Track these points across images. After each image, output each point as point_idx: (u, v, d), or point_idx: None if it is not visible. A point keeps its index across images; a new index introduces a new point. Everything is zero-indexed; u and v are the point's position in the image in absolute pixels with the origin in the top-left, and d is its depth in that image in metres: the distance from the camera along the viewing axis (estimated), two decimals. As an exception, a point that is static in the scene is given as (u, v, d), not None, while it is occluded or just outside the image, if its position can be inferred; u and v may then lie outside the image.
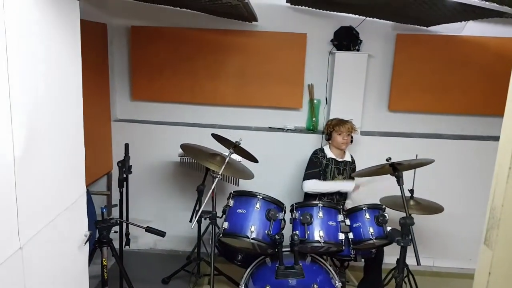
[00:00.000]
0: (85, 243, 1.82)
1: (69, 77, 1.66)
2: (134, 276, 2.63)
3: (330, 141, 3.28)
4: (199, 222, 3.23)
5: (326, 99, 3.73)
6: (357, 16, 3.51)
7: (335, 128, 3.21)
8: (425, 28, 3.52)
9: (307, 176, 3.19)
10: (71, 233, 1.72)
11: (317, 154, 3.24)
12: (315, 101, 3.76)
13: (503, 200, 0.54)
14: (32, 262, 1.39)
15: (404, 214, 2.28)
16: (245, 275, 2.65)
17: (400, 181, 2.28)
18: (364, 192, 3.39)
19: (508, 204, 0.50)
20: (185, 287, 3.31)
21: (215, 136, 2.82)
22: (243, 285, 2.59)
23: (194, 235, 3.47)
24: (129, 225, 3.26)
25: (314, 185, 3.13)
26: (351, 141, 3.27)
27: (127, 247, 3.18)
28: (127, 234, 3.17)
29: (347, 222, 2.61)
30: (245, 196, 2.63)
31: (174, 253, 3.91)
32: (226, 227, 2.55)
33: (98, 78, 3.50)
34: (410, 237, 2.16)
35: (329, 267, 2.60)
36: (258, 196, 2.58)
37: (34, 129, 1.39)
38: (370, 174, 2.67)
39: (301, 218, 2.50)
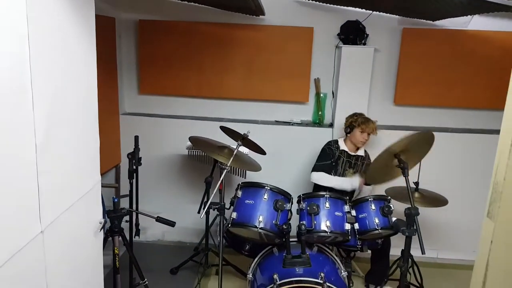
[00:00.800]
0: (100, 230, 1.88)
1: (85, 69, 1.71)
2: (143, 266, 2.68)
3: (349, 135, 3.27)
4: (207, 213, 3.28)
5: (333, 92, 3.77)
6: (363, 10, 3.53)
7: (361, 125, 3.18)
8: (431, 22, 3.54)
9: (316, 168, 3.22)
10: (87, 220, 1.78)
11: (331, 145, 3.27)
12: (321, 94, 3.80)
13: (505, 174, 0.58)
14: (52, 245, 1.45)
15: (408, 205, 2.32)
16: (253, 264, 2.70)
17: (405, 173, 2.31)
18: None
19: (510, 178, 0.55)
20: (193, 277, 3.37)
21: (223, 128, 2.86)
22: (251, 274, 2.64)
23: (202, 227, 3.53)
24: (139, 216, 3.32)
25: (322, 178, 3.17)
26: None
27: (136, 237, 3.25)
28: (137, 224, 3.23)
29: (353, 213, 2.66)
30: (253, 187, 2.68)
31: (182, 245, 3.97)
32: (234, 217, 2.60)
33: (106, 72, 3.55)
34: (415, 227, 2.20)
35: (335, 257, 2.65)
36: (266, 187, 2.63)
37: (54, 118, 1.44)
38: (378, 168, 2.69)
39: (308, 208, 2.55)
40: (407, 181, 2.32)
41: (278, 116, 3.88)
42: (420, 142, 2.49)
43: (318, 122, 3.83)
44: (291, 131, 3.79)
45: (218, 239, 2.77)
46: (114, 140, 3.81)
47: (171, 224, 2.57)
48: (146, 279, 2.64)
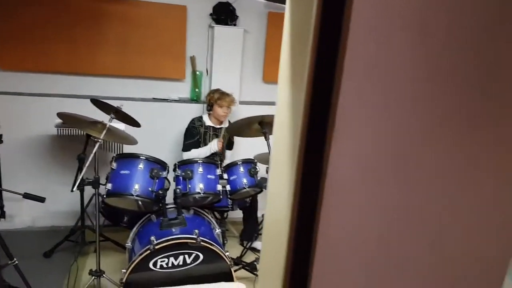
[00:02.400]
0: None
1: None
2: (12, 253, 2.52)
3: (211, 112, 3.50)
4: (81, 191, 3.21)
5: (207, 70, 3.96)
6: (233, -8, 3.78)
7: (217, 101, 3.42)
8: (291, 8, 3.96)
9: (186, 147, 3.43)
10: None
11: (194, 124, 3.47)
12: (197, 72, 3.96)
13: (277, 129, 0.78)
14: None
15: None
16: (131, 234, 2.77)
17: (266, 137, 2.64)
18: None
19: (278, 134, 0.76)
20: (69, 258, 3.26)
21: (94, 102, 2.82)
22: (130, 243, 2.70)
23: (77, 208, 3.42)
24: (3, 199, 3.09)
25: (191, 154, 3.37)
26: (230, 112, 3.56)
27: (2, 219, 3.02)
28: (1, 206, 3.00)
29: (225, 176, 2.91)
30: (128, 158, 2.73)
31: (56, 229, 3.76)
32: (109, 188, 2.61)
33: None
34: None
35: (211, 218, 2.89)
36: (141, 157, 2.71)
37: None
38: (245, 132, 3.00)
39: (183, 174, 2.72)
40: (268, 144, 2.65)
41: (156, 93, 3.93)
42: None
43: (195, 98, 4.00)
44: (168, 108, 3.89)
45: (95, 213, 2.75)
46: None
47: (41, 200, 2.50)
48: (15, 259, 2.51)
